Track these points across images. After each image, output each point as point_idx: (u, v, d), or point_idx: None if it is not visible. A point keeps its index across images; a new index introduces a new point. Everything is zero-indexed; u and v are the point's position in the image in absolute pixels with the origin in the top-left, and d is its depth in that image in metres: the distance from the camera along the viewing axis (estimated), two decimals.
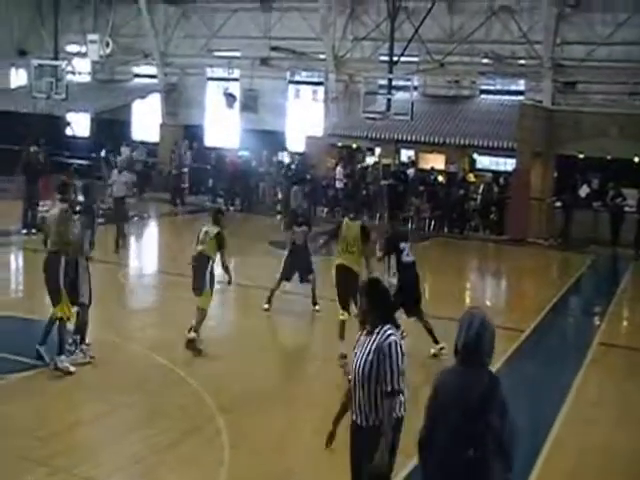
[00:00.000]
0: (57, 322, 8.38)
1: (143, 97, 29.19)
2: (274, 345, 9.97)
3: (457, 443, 3.75)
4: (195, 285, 9.48)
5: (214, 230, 9.57)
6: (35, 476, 6.09)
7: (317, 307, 11.62)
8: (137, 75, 30.26)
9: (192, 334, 9.28)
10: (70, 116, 28.91)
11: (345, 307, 9.36)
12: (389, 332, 4.53)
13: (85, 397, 8.08)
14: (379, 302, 4.64)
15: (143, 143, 28.19)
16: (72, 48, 29.69)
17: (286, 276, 11.64)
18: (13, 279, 14.01)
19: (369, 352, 4.50)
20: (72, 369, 8.32)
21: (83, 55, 27.92)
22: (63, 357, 8.33)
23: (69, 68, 27.84)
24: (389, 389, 4.42)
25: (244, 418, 7.58)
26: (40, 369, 8.38)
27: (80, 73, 29.90)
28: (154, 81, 29.14)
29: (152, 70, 29.29)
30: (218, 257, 9.53)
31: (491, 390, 3.79)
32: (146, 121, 29.53)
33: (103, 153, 24.68)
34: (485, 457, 3.70)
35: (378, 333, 4.55)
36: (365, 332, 4.65)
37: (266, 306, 11.42)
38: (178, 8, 28.07)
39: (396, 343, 4.48)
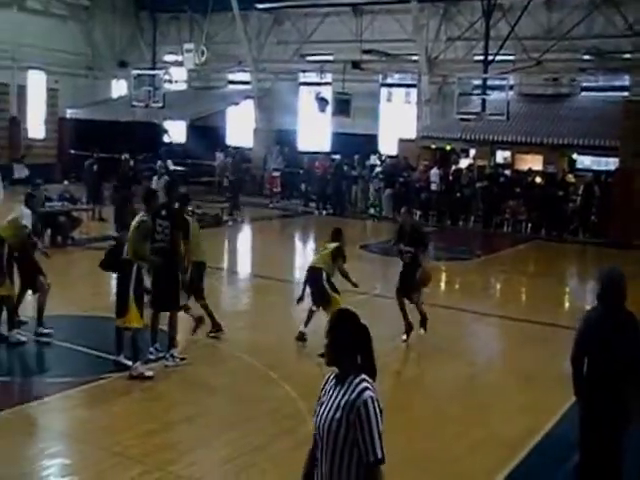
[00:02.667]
0: (126, 330, 8.50)
1: (237, 103, 29.74)
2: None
3: (597, 365, 5.30)
4: (316, 299, 9.64)
5: (333, 244, 9.81)
6: (131, 473, 6.25)
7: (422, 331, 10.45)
8: (231, 82, 30.89)
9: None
10: (167, 123, 29.77)
11: None
12: (363, 385, 3.60)
13: (178, 398, 8.24)
14: (353, 343, 3.69)
15: (237, 148, 28.70)
16: (169, 58, 30.68)
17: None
18: (112, 282, 14.45)
19: (337, 408, 3.59)
20: (149, 373, 8.41)
21: (179, 64, 28.78)
22: (137, 364, 8.41)
23: (166, 77, 28.72)
24: (372, 459, 3.56)
25: None
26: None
27: (177, 81, 30.78)
28: (248, 87, 29.65)
29: (246, 76, 29.81)
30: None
31: (624, 323, 5.26)
32: (240, 127, 30.07)
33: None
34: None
35: (350, 384, 3.63)
36: (333, 378, 3.74)
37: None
38: (271, 15, 28.49)
39: (372, 400, 3.58)
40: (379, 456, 3.57)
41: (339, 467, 3.61)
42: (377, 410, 3.60)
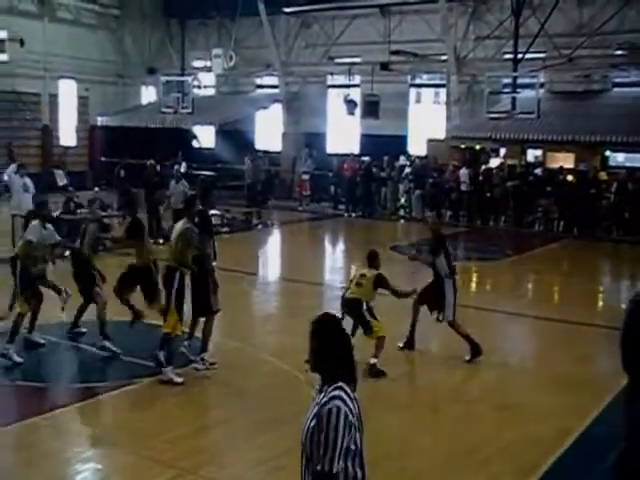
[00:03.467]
0: (166, 336, 8.59)
1: (265, 107, 29.88)
2: (394, 351, 9.87)
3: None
4: (363, 328, 9.06)
5: (372, 272, 9.23)
6: (163, 477, 6.31)
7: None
8: (259, 86, 31.02)
9: (373, 360, 9.05)
10: (196, 129, 30.01)
11: None
12: (334, 394, 3.45)
13: (210, 402, 8.32)
14: (332, 351, 3.55)
15: (266, 152, 28.85)
16: (198, 63, 30.93)
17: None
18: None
19: (313, 416, 3.48)
20: (178, 379, 8.44)
21: (208, 69, 29.05)
22: (168, 369, 8.48)
23: (195, 83, 28.98)
24: (318, 468, 3.38)
25: (369, 424, 7.54)
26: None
27: (205, 87, 31.01)
28: (276, 91, 29.77)
29: (274, 80, 29.94)
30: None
31: None
32: (268, 130, 30.21)
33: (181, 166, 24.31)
34: None
35: (326, 393, 3.49)
36: (317, 388, 3.63)
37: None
38: (298, 18, 28.58)
39: (337, 410, 3.39)
40: (326, 468, 3.38)
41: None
42: (340, 421, 3.40)
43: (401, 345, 9.89)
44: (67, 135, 30.13)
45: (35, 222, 9.32)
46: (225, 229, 19.29)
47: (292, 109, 29.19)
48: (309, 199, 26.30)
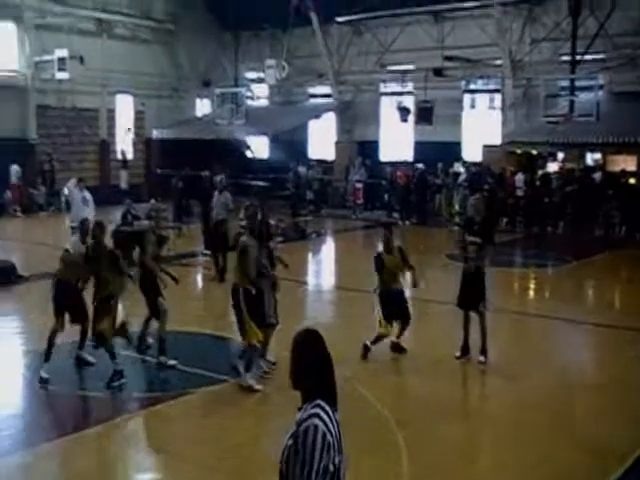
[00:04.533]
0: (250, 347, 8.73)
1: (318, 116, 30.04)
2: (450, 359, 9.78)
3: None
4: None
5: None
6: None
7: (483, 358, 9.74)
8: (312, 95, 31.22)
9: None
10: (250, 139, 30.32)
11: None
12: (312, 411, 3.31)
13: (268, 410, 8.36)
14: (311, 367, 3.42)
15: (319, 161, 28.97)
16: (251, 75, 31.33)
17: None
18: (201, 298, 14.81)
19: (289, 436, 3.31)
20: (257, 387, 8.55)
21: (261, 80, 29.37)
22: (249, 375, 8.61)
23: (248, 94, 29.30)
24: None
25: (423, 433, 7.52)
26: (227, 384, 8.79)
27: (259, 97, 31.35)
28: (329, 100, 29.92)
29: (327, 89, 30.10)
30: None
31: None
32: (322, 139, 30.34)
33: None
34: None
35: (305, 411, 3.35)
36: (298, 406, 3.47)
37: None
38: (350, 27, 28.68)
39: (314, 429, 3.23)
40: None
41: None
42: (317, 440, 3.22)
43: (458, 354, 9.81)
44: (124, 148, 30.74)
45: (74, 237, 9.56)
46: (279, 239, 19.38)
47: (345, 117, 29.29)
48: (362, 207, 26.31)
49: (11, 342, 10.77)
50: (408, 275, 10.39)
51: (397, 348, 9.95)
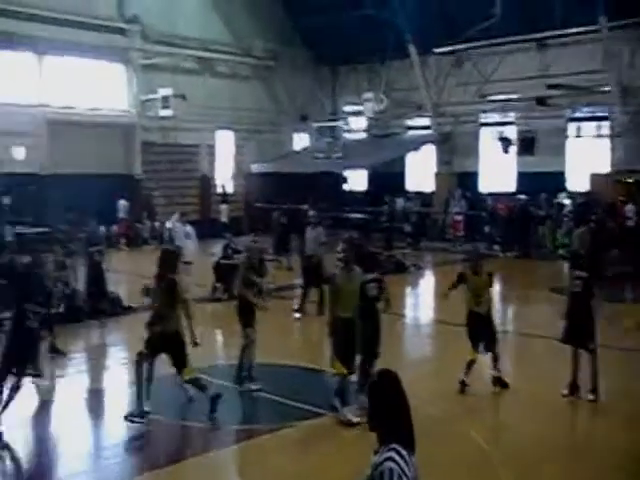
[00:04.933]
0: (337, 377, 8.75)
1: (417, 149, 30.01)
2: (554, 397, 9.47)
3: None
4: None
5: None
6: None
7: (592, 397, 9.40)
8: (410, 127, 31.25)
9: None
10: (347, 172, 30.58)
11: None
12: (387, 455, 3.37)
13: (367, 445, 8.29)
14: (387, 410, 3.46)
15: (418, 193, 28.89)
16: (348, 108, 31.69)
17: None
18: (297, 331, 14.93)
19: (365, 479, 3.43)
20: (356, 420, 8.49)
21: (359, 113, 29.66)
22: (346, 409, 8.62)
23: (346, 127, 29.65)
24: None
25: (526, 473, 7.31)
26: (325, 417, 8.80)
27: (356, 131, 31.63)
28: (427, 132, 29.87)
29: (425, 121, 30.08)
30: None
31: None
32: (420, 171, 30.27)
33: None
34: None
35: (380, 455, 3.42)
36: (374, 449, 3.52)
37: None
38: (450, 57, 28.64)
39: (390, 472, 3.30)
40: None
41: None
42: None
43: (565, 392, 9.50)
44: (224, 183, 31.67)
45: None
46: (379, 271, 19.44)
47: (444, 149, 29.16)
48: (463, 240, 25.98)
49: (118, 372, 11.19)
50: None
51: (499, 382, 9.75)
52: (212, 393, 8.72)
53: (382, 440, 3.44)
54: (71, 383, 10.70)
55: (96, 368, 11.60)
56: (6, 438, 7.95)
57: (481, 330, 9.72)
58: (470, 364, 9.63)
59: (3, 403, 8.20)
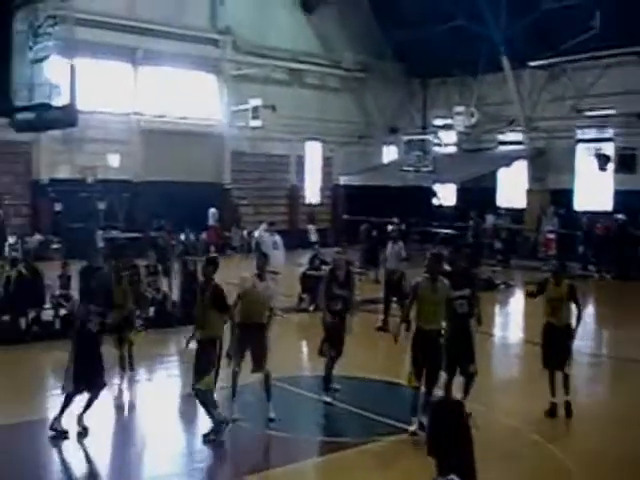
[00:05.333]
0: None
1: (508, 164, 29.53)
2: None
3: None
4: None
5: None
6: None
7: None
8: (502, 142, 30.76)
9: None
10: (436, 187, 30.35)
11: None
12: None
13: None
14: (447, 437, 3.42)
15: (509, 210, 28.42)
16: (438, 121, 31.49)
17: None
18: (384, 345, 14.85)
19: None
20: (412, 429, 8.47)
21: (449, 127, 29.44)
22: (414, 419, 8.55)
23: (436, 141, 29.46)
24: None
25: None
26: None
27: (446, 145, 31.38)
28: (519, 147, 29.37)
29: (517, 136, 29.58)
30: None
31: None
32: (511, 187, 29.78)
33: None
34: None
35: None
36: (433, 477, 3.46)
37: None
38: (545, 71, 28.13)
39: None
40: None
41: None
42: None
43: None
44: (312, 194, 32.02)
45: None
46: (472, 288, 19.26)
47: (537, 165, 28.60)
48: (555, 258, 25.32)
49: None
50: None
51: (566, 409, 9.38)
52: (221, 417, 8.50)
53: (440, 468, 3.39)
54: (163, 387, 10.97)
55: (188, 372, 11.74)
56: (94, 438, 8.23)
57: (555, 344, 9.47)
58: (551, 381, 9.44)
59: (86, 402, 8.50)
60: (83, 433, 8.39)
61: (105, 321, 8.84)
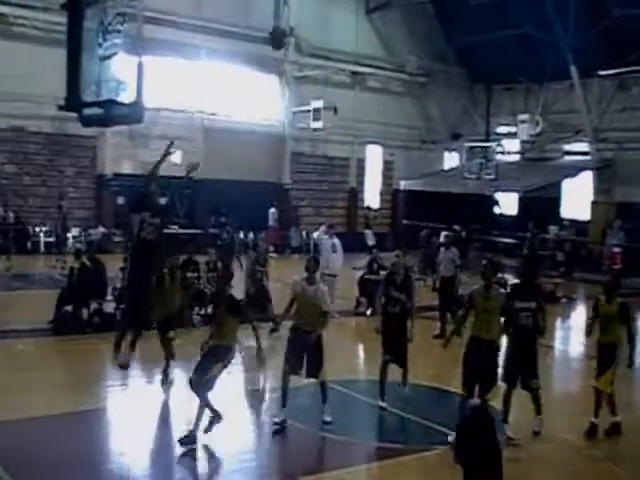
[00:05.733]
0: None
1: (573, 175, 29.04)
2: None
3: None
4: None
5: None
6: None
7: None
8: (567, 152, 30.27)
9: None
10: (498, 195, 30.01)
11: None
12: None
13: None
14: (474, 447, 3.40)
15: (572, 221, 27.93)
16: (502, 129, 31.15)
17: None
18: (443, 352, 14.72)
19: None
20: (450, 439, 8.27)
21: (512, 135, 29.09)
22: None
23: (499, 149, 29.15)
24: None
25: None
26: None
27: (509, 153, 31.03)
28: (585, 158, 28.85)
29: (584, 146, 29.07)
30: None
31: None
32: (576, 199, 29.26)
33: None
34: None
35: None
36: None
37: None
38: (614, 81, 27.60)
39: None
40: None
41: None
42: None
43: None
44: (371, 197, 31.98)
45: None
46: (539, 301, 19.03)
47: (603, 177, 28.09)
48: (619, 273, 24.81)
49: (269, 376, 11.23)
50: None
51: (613, 430, 9.15)
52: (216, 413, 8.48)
53: (466, 477, 3.37)
54: (223, 381, 11.04)
55: (250, 368, 11.64)
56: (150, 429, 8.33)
57: (603, 359, 9.13)
58: (609, 399, 9.18)
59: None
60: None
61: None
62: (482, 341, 8.52)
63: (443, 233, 22.25)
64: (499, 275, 9.96)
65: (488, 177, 26.84)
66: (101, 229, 24.11)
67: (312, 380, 9.13)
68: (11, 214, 23.06)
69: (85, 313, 13.32)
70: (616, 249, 24.91)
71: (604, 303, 9.36)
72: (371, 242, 22.78)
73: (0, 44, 22.82)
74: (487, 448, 3.34)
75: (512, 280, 11.88)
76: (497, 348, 8.67)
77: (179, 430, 8.38)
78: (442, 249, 15.78)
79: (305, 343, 8.74)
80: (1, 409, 8.49)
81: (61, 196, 22.72)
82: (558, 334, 17.30)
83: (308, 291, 8.83)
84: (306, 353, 8.80)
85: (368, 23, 31.02)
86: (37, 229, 23.49)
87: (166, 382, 10.23)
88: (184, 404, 9.68)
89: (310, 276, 8.96)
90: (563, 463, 8.34)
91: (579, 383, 12.98)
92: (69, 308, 13.16)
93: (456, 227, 20.33)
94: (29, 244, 23.18)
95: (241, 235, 19.28)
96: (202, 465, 8.06)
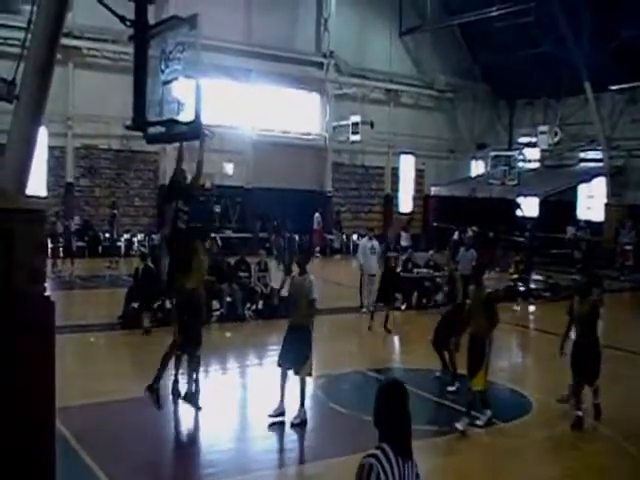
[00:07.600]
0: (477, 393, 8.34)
1: (588, 180, 28.57)
2: None
3: None
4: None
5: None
6: None
7: None
8: (582, 160, 29.82)
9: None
10: (520, 199, 29.60)
11: None
12: (372, 452, 3.34)
13: (531, 456, 7.92)
14: (384, 414, 3.42)
15: (588, 222, 27.43)
16: (523, 139, 30.71)
17: None
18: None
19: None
20: (460, 427, 8.13)
21: (533, 145, 28.68)
22: (466, 420, 8.23)
23: (520, 157, 28.78)
24: None
25: None
26: (493, 427, 8.47)
27: (530, 161, 30.62)
28: (599, 165, 28.33)
29: (597, 154, 28.56)
30: None
31: None
32: (591, 202, 28.77)
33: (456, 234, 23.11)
34: None
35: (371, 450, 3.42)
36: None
37: None
38: (624, 95, 27.10)
39: (370, 467, 3.28)
40: None
41: None
42: (370, 477, 3.27)
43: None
44: (405, 203, 31.82)
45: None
46: (547, 294, 18.70)
47: (616, 181, 27.55)
48: (631, 269, 24.30)
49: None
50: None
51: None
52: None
53: (379, 439, 3.45)
54: (269, 370, 11.04)
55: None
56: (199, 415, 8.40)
57: (579, 362, 8.52)
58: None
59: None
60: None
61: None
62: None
63: (463, 234, 21.83)
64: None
65: (511, 183, 26.53)
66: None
67: (353, 368, 9.02)
68: (80, 221, 23.43)
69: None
70: (628, 247, 24.47)
71: (578, 301, 8.67)
72: (406, 243, 22.57)
73: (75, 73, 23.23)
74: (395, 416, 3.45)
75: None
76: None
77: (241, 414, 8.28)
78: (462, 249, 15.50)
79: (287, 337, 8.45)
80: (77, 395, 8.56)
81: (113, 206, 22.99)
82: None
83: (297, 280, 8.46)
84: (290, 347, 8.38)
85: (401, 45, 30.84)
86: (107, 235, 23.79)
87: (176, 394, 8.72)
88: (238, 392, 9.69)
89: (301, 270, 8.49)
90: (584, 441, 8.12)
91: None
92: (135, 305, 13.26)
93: (473, 228, 20.00)
94: (100, 248, 23.48)
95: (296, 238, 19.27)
96: (243, 446, 7.95)
